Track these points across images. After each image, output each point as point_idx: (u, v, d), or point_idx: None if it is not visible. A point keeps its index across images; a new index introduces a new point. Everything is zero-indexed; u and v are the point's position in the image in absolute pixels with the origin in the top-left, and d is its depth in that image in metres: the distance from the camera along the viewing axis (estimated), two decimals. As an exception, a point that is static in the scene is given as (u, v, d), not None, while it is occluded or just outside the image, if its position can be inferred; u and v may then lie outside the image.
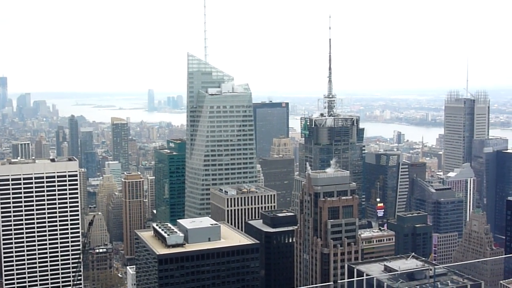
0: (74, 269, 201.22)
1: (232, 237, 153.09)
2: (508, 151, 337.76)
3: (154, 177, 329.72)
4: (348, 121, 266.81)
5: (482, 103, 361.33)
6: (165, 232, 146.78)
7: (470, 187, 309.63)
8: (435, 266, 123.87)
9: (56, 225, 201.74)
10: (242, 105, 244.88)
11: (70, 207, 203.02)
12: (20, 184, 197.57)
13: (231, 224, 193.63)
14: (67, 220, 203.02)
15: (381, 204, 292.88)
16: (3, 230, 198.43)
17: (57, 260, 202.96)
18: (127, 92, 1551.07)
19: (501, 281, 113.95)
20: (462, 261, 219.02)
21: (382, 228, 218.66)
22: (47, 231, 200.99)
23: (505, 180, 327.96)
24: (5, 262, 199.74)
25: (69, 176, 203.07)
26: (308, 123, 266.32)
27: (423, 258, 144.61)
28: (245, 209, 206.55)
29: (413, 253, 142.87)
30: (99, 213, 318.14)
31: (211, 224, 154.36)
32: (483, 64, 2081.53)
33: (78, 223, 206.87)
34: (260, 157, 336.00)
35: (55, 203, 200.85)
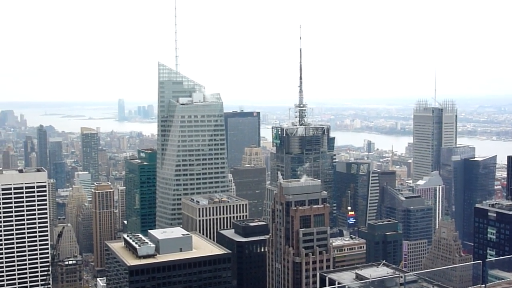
0: (43, 282, 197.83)
1: (203, 247, 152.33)
2: (475, 159, 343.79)
3: (124, 188, 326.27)
4: (319, 130, 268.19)
5: (450, 112, 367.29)
6: (136, 243, 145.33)
7: (438, 194, 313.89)
8: (406, 274, 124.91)
9: (24, 237, 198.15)
10: (214, 114, 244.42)
11: (39, 218, 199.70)
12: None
13: (203, 234, 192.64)
14: (35, 232, 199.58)
15: (352, 212, 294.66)
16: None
17: (26, 273, 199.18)
18: (97, 101, 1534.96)
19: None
20: (432, 268, 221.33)
21: (353, 236, 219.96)
22: (15, 243, 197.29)
23: (472, 187, 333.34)
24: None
25: (38, 187, 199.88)
26: (279, 132, 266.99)
27: (394, 266, 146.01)
28: (216, 219, 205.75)
29: (384, 261, 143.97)
30: (69, 225, 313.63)
31: (182, 235, 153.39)
32: (450, 73, 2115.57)
33: (47, 235, 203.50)
34: (231, 167, 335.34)
35: (23, 215, 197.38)
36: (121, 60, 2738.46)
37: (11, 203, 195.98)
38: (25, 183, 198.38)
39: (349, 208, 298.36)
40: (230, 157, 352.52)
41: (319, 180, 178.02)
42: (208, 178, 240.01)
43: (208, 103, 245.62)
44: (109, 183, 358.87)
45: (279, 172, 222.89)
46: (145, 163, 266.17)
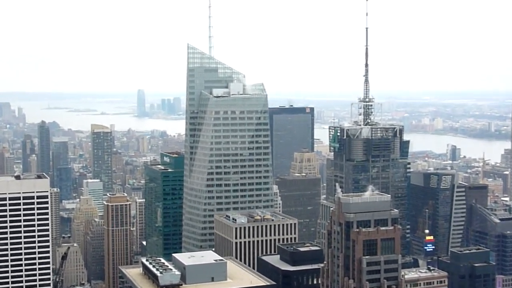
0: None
1: (241, 277, 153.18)
2: None
3: (144, 200, 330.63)
4: (389, 132, 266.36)
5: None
6: (157, 270, 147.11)
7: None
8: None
9: (21, 259, 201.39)
10: (256, 110, 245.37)
11: (39, 236, 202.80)
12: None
13: (240, 260, 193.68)
14: (34, 253, 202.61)
15: (431, 237, 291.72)
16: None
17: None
18: (112, 93, 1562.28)
19: None
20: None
21: (431, 268, 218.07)
22: (9, 266, 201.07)
23: None
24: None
25: (38, 197, 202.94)
26: (338, 134, 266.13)
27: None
28: (258, 241, 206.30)
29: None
30: (75, 245, 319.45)
31: (214, 260, 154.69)
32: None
33: (48, 257, 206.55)
34: (277, 176, 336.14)
35: (20, 231, 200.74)
36: (141, 43, 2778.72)
37: (5, 216, 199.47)
38: (23, 193, 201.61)
39: (426, 231, 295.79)
40: (276, 163, 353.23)
41: (389, 195, 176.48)
42: (248, 190, 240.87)
43: (249, 95, 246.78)
44: (125, 194, 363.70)
45: (337, 184, 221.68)
46: (169, 170, 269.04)
